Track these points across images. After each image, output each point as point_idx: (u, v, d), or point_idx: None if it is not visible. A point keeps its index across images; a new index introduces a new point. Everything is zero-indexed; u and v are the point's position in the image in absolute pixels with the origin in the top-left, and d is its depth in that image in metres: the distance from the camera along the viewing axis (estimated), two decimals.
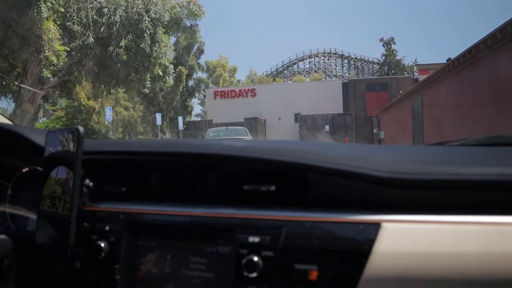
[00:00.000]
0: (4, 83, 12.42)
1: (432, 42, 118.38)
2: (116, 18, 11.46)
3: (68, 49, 11.25)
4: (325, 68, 51.23)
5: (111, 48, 11.78)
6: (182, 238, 0.78)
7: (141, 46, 11.73)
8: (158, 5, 12.21)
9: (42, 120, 20.18)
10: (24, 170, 1.07)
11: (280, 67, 51.46)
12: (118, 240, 0.80)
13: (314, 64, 51.60)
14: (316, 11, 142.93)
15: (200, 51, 38.64)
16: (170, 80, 15.00)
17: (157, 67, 12.78)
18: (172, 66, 14.30)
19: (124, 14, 11.71)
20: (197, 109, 46.77)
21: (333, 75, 49.54)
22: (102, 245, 0.79)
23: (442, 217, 0.64)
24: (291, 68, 51.75)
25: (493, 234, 0.61)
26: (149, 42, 11.91)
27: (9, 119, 1.39)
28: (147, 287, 0.79)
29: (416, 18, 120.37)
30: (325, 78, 46.60)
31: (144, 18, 11.71)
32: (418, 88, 14.53)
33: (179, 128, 26.42)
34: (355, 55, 51.19)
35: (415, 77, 29.59)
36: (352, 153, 0.84)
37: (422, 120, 13.96)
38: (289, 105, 31.13)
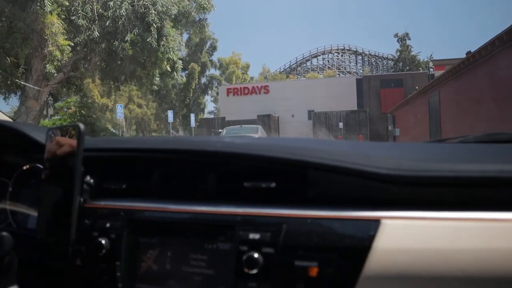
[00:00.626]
0: (8, 82, 12.20)
1: (448, 37, 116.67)
2: (122, 11, 11.10)
3: (72, 44, 10.90)
4: (338, 65, 50.90)
5: (117, 42, 11.44)
6: (182, 235, 0.79)
7: (148, 40, 11.36)
8: None
9: (49, 119, 19.98)
10: (24, 168, 1.08)
11: (294, 64, 51.36)
12: (119, 237, 0.81)
13: (328, 61, 51.35)
14: (330, 7, 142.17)
15: (213, 48, 38.67)
16: (179, 76, 14.59)
17: (165, 63, 12.39)
18: (181, 61, 13.85)
19: (130, 7, 11.38)
20: (210, 106, 46.91)
21: (347, 72, 49.17)
22: (103, 242, 0.80)
23: (441, 214, 0.64)
24: (305, 65, 51.59)
25: (493, 231, 0.61)
26: (156, 36, 11.52)
27: (9, 116, 1.40)
28: (148, 284, 0.79)
29: (431, 12, 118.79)
30: (339, 74, 46.29)
31: (150, 11, 11.33)
32: (435, 83, 14.10)
33: (191, 126, 26.43)
34: (369, 51, 50.80)
35: (431, 72, 29.18)
36: (352, 150, 0.83)
37: (440, 116, 13.58)
38: (302, 102, 30.98)
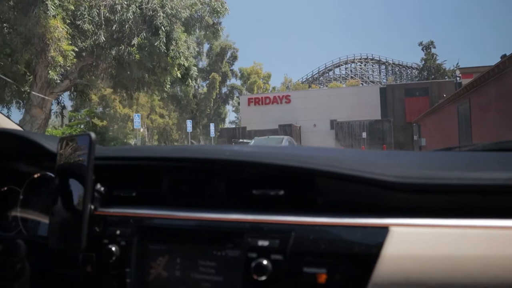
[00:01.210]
0: (13, 89, 11.89)
1: (474, 44, 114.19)
2: (129, 14, 10.52)
3: (77, 49, 10.27)
4: (362, 74, 50.31)
5: (123, 47, 10.87)
6: (191, 242, 0.79)
7: (155, 44, 10.71)
8: (175, 0, 11.27)
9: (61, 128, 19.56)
10: (35, 176, 1.11)
11: (316, 74, 51.09)
12: (129, 244, 0.82)
13: (351, 70, 50.87)
14: (353, 16, 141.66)
15: (234, 58, 38.65)
16: (194, 84, 14.02)
17: (175, 69, 11.71)
18: (196, 68, 13.25)
19: (138, 10, 10.81)
20: (231, 116, 46.82)
21: (370, 81, 48.52)
22: (113, 249, 0.81)
23: (449, 221, 0.64)
24: (327, 74, 51.23)
25: (500, 238, 0.61)
26: (165, 41, 10.86)
27: (19, 125, 1.38)
28: None
29: (457, 20, 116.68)
30: (362, 84, 45.56)
31: (158, 14, 10.74)
32: (465, 90, 13.46)
33: (211, 135, 26.28)
34: (392, 60, 50.09)
35: (458, 81, 28.31)
36: (360, 158, 0.84)
37: (470, 125, 12.89)
38: (324, 112, 30.59)
